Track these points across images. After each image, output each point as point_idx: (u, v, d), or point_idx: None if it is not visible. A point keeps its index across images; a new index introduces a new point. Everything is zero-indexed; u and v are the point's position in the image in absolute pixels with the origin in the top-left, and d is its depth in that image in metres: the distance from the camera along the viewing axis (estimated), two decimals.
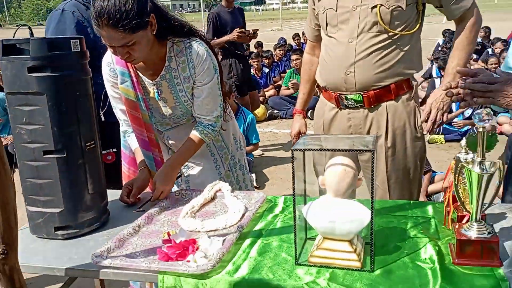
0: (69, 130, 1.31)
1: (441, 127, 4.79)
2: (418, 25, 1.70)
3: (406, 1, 1.62)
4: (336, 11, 1.72)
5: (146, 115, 1.69)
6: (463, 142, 1.11)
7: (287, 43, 10.67)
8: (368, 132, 1.78)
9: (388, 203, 1.51)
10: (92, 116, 1.40)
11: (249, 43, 4.36)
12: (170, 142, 1.87)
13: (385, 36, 1.65)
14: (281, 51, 8.68)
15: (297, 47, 9.14)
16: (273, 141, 5.28)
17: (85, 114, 1.36)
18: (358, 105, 1.77)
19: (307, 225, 1.24)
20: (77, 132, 1.33)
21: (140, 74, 1.67)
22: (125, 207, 1.60)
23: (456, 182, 1.09)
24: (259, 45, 9.25)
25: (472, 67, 5.79)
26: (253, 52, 7.66)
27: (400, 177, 1.82)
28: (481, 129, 1.00)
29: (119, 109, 1.74)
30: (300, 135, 2.11)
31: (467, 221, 1.12)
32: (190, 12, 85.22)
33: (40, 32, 2.09)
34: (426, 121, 1.71)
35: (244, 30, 4.35)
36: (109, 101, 1.79)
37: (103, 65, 1.68)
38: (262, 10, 73.73)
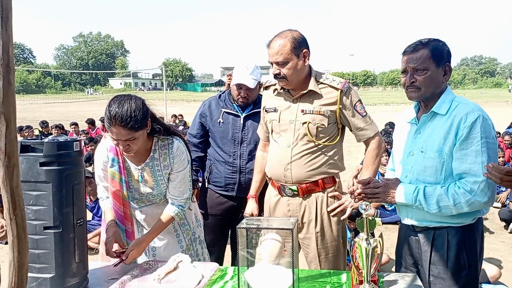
0: (66, 210, 1.68)
1: (379, 211, 5.39)
2: (338, 138, 2.25)
3: (328, 121, 2.18)
4: (279, 122, 2.26)
5: (126, 194, 2.10)
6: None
7: None
8: (302, 216, 2.24)
9: (314, 272, 1.92)
10: (83, 199, 1.78)
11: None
12: (143, 217, 2.25)
13: (312, 144, 2.19)
14: None
15: None
16: None
17: (78, 198, 1.74)
18: (294, 194, 2.24)
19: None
20: (71, 211, 1.70)
21: (128, 161, 2.11)
22: (101, 275, 1.92)
23: (352, 254, 1.54)
24: None
25: None
26: None
27: (329, 253, 2.26)
28: (365, 216, 1.48)
29: (102, 185, 2.15)
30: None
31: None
32: (152, 90, 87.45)
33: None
34: (332, 211, 2.21)
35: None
36: None
37: (99, 150, 2.12)
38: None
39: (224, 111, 2.80)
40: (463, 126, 1.69)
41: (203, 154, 2.93)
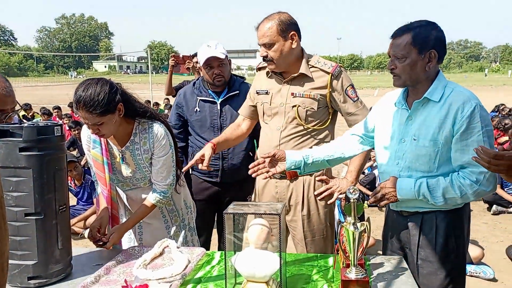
0: (48, 196, 1.63)
1: (366, 195, 5.44)
2: (329, 122, 2.23)
3: (318, 105, 2.15)
4: (270, 105, 2.23)
5: (108, 176, 2.08)
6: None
7: None
8: (289, 199, 2.23)
9: (301, 256, 1.92)
10: (65, 185, 1.73)
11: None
12: (128, 200, 2.23)
13: (301, 128, 2.17)
14: None
15: None
16: None
17: (60, 184, 1.70)
18: (282, 176, 2.23)
19: (236, 273, 1.61)
20: (53, 198, 1.66)
21: (110, 142, 2.09)
22: (85, 261, 1.89)
23: (339, 238, 1.54)
24: None
25: None
26: None
27: (315, 236, 2.26)
28: (352, 200, 1.47)
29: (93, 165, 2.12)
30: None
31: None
32: (137, 73, 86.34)
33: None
34: (319, 194, 2.18)
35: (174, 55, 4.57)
36: None
37: (82, 132, 2.11)
38: None
39: (199, 99, 2.75)
40: (461, 115, 1.65)
41: (184, 144, 2.89)
